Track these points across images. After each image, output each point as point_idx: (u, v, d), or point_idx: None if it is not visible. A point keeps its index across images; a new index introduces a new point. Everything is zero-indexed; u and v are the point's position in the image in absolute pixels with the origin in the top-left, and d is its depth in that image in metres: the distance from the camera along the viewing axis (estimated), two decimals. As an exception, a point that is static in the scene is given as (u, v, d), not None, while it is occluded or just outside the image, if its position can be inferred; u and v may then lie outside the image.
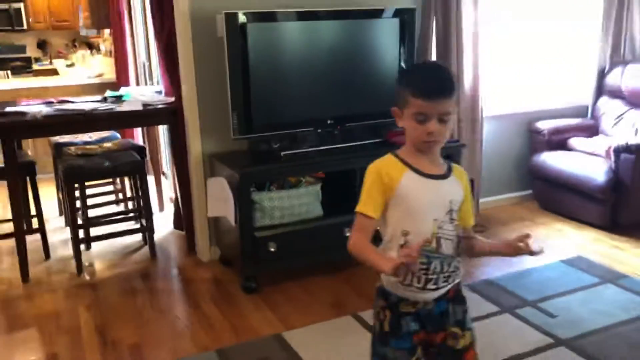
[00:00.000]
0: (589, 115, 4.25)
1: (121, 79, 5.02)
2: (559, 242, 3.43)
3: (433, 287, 1.42)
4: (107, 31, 6.30)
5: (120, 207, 4.13)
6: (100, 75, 5.70)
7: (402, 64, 3.23)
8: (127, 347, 2.45)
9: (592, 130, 4.08)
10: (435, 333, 1.47)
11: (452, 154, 3.25)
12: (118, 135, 3.99)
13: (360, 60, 3.16)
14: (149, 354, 2.40)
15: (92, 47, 7.30)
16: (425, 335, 1.47)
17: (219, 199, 2.95)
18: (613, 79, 4.09)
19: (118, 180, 4.16)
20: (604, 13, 4.07)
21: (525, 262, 3.03)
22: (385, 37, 3.20)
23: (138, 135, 4.67)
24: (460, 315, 1.50)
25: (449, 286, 1.46)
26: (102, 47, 6.55)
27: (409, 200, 1.39)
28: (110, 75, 5.57)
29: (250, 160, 2.94)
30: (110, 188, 4.23)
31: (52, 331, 2.59)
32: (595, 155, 3.70)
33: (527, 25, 4.09)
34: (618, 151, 3.44)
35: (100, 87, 5.08)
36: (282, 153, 2.95)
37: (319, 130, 3.09)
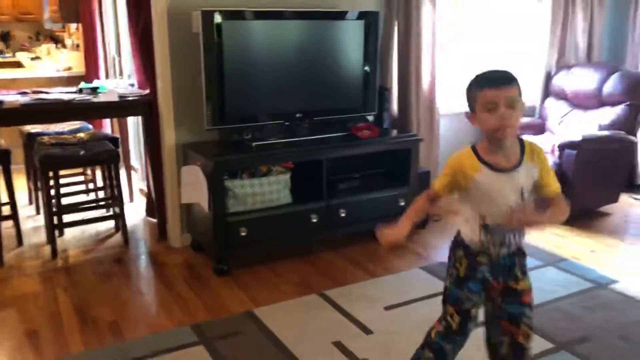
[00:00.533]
0: (537, 115, 4.58)
1: (91, 72, 5.09)
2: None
3: (505, 253, 1.72)
4: (73, 25, 6.35)
5: (90, 197, 4.23)
6: (68, 69, 5.75)
7: (367, 64, 3.46)
8: (106, 324, 2.58)
9: (539, 129, 4.41)
10: (503, 280, 1.75)
11: (410, 147, 3.51)
12: (90, 126, 4.08)
13: (328, 58, 3.37)
14: (128, 330, 2.54)
15: (57, 40, 7.28)
16: (495, 282, 1.75)
17: (192, 187, 3.10)
18: (558, 82, 4.42)
19: (89, 171, 4.27)
20: (551, 21, 4.40)
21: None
22: (351, 37, 3.41)
23: (106, 128, 4.77)
24: (522, 263, 1.77)
25: (514, 247, 1.73)
26: (69, 41, 6.56)
27: (483, 193, 1.66)
28: (78, 69, 5.62)
29: (223, 150, 3.11)
30: (80, 178, 4.32)
31: (30, 311, 2.70)
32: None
33: (481, 32, 4.38)
34: (562, 147, 3.75)
35: (69, 81, 5.15)
36: (254, 144, 3.13)
37: (288, 123, 3.28)
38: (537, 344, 2.33)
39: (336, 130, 3.40)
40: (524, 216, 1.61)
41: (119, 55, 5.01)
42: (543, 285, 2.89)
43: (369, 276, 3.04)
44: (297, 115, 3.29)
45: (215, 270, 3.07)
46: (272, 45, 3.21)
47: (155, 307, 2.76)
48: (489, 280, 1.74)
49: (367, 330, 2.48)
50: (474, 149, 1.68)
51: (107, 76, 5.07)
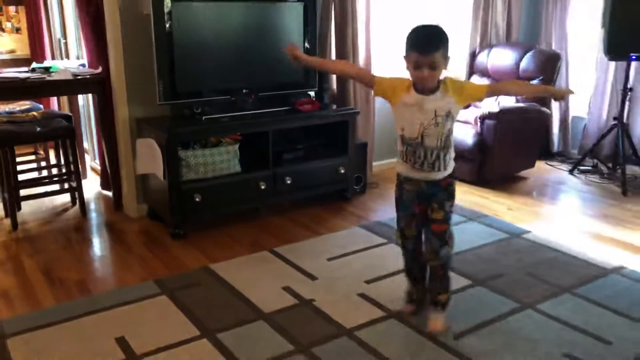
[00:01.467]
0: (463, 91, 5.00)
1: (36, 55, 5.17)
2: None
3: (418, 167, 2.16)
4: (12, 8, 6.33)
5: (43, 174, 4.36)
6: (12, 52, 5.76)
7: (306, 43, 3.75)
8: (73, 283, 2.80)
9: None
10: (424, 206, 2.24)
11: (348, 120, 3.84)
12: (40, 105, 4.21)
13: (271, 38, 3.64)
14: (94, 286, 2.77)
15: (-6, 24, 7.19)
16: (419, 207, 2.25)
17: (147, 158, 3.33)
18: (481, 60, 4.86)
19: (41, 150, 4.39)
20: (474, 4, 4.82)
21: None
22: (292, 19, 3.69)
23: (54, 108, 4.87)
24: (444, 198, 2.22)
25: (435, 173, 2.17)
26: (8, 24, 6.52)
27: (404, 110, 2.12)
28: (22, 51, 5.65)
29: (176, 123, 3.34)
30: (31, 158, 4.45)
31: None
32: (467, 123, 4.44)
33: (413, 13, 4.76)
34: (482, 118, 4.18)
35: (14, 63, 5.20)
36: (204, 117, 3.38)
37: (235, 98, 3.55)
38: (459, 282, 2.76)
39: (280, 105, 3.69)
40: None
41: (65, 37, 5.11)
42: (466, 236, 3.30)
43: (313, 235, 3.37)
44: (244, 90, 3.56)
45: (172, 234, 3.32)
46: (219, 25, 3.45)
47: (118, 267, 3.00)
48: (414, 202, 2.25)
49: (312, 277, 2.81)
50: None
51: (53, 58, 5.16)
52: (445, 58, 2.03)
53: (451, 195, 2.25)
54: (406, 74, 2.13)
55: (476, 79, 4.90)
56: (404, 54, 2.08)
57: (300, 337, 2.30)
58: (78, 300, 2.62)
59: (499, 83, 2.28)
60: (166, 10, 3.19)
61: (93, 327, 2.38)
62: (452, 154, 2.22)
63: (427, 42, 2.00)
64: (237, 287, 2.71)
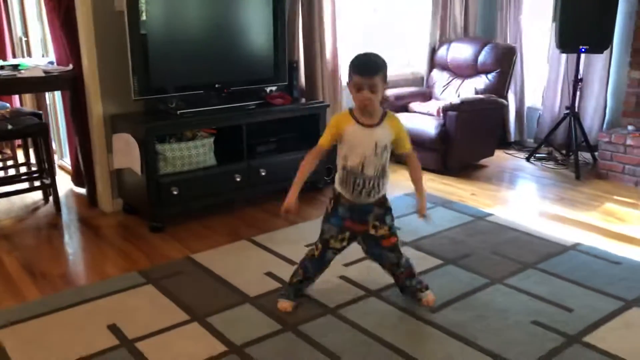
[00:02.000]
0: (425, 84, 5.21)
1: (-4, 53, 5.09)
2: (404, 182, 4.27)
3: (357, 194, 2.28)
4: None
5: (11, 174, 4.33)
6: (-30, 50, 5.64)
7: (276, 39, 3.86)
8: (56, 276, 2.84)
9: (427, 96, 5.04)
10: (359, 223, 2.35)
11: (318, 112, 3.97)
12: (7, 104, 4.17)
13: (242, 34, 3.73)
14: (78, 279, 2.82)
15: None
16: (351, 223, 2.35)
17: (124, 153, 3.38)
18: (441, 54, 5.07)
19: (8, 150, 4.36)
20: (433, 2, 5.02)
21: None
22: (261, 15, 3.79)
23: (17, 106, 4.82)
24: (381, 213, 2.34)
25: (371, 199, 2.30)
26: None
27: (349, 140, 2.25)
28: (-20, 50, 5.55)
29: (151, 118, 3.40)
30: (-2, 157, 4.41)
31: (-22, 272, 2.89)
32: (430, 115, 4.63)
33: (377, 10, 4.93)
34: (445, 110, 4.38)
35: (-26, 62, 5.10)
36: (179, 112, 3.45)
37: (209, 93, 3.62)
38: (430, 262, 2.93)
39: (252, 99, 3.79)
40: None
41: (27, 35, 5.06)
42: (434, 220, 3.48)
43: (288, 224, 3.48)
44: (217, 85, 3.64)
45: (150, 227, 3.38)
46: (192, 21, 3.53)
47: (100, 260, 3.04)
48: (346, 218, 2.34)
49: (292, 262, 2.92)
50: (350, 110, 2.28)
51: (14, 56, 5.09)
52: (384, 82, 2.21)
53: (388, 209, 2.39)
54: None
55: (436, 73, 5.10)
56: (347, 80, 2.24)
57: (286, 316, 2.41)
58: (64, 292, 2.66)
59: (411, 160, 2.42)
60: (140, 6, 3.24)
61: (83, 316, 2.44)
62: (387, 182, 2.36)
63: (367, 66, 2.18)
64: (221, 274, 2.80)
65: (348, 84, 2.23)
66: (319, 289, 2.62)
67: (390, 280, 2.59)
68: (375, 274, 2.67)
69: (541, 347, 2.20)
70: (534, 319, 2.39)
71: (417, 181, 2.44)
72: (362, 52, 2.25)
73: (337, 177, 2.37)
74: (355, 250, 2.92)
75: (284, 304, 2.48)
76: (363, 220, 2.36)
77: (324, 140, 2.30)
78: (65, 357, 2.14)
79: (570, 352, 2.17)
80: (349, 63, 2.23)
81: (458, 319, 2.39)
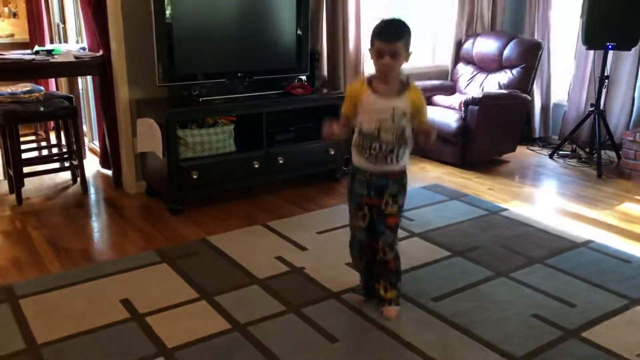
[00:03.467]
0: (449, 77, 5.21)
1: (34, 39, 5.30)
2: (422, 175, 4.33)
3: (373, 160, 2.22)
4: (9, -7, 6.44)
5: (44, 154, 4.53)
6: (11, 36, 5.89)
7: (299, 29, 3.93)
8: (78, 252, 2.99)
9: (451, 90, 5.04)
10: (375, 197, 2.29)
11: (337, 103, 4.01)
12: (41, 87, 4.35)
13: (265, 23, 3.81)
14: (98, 255, 2.96)
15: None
16: (369, 199, 2.30)
17: (147, 137, 3.51)
18: (467, 48, 5.06)
19: (42, 132, 4.55)
20: (460, -6, 5.01)
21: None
22: (285, 5, 3.86)
23: (52, 90, 5.02)
24: (395, 191, 2.28)
25: (388, 166, 2.24)
26: (5, 9, 6.64)
27: (364, 109, 2.21)
28: (20, 35, 5.78)
29: (174, 104, 3.52)
30: (32, 138, 4.60)
31: (7, 245, 3.05)
32: (452, 108, 4.64)
33: (399, 2, 4.94)
34: (466, 104, 4.38)
35: (14, 46, 5.34)
36: (201, 99, 3.55)
37: (230, 81, 3.72)
38: (438, 253, 2.98)
39: (272, 88, 3.87)
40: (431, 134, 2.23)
41: (64, 22, 5.25)
42: (446, 213, 3.51)
43: (303, 211, 3.57)
44: (239, 74, 3.73)
45: (170, 210, 3.50)
46: (216, 10, 3.62)
47: (120, 238, 3.18)
48: (363, 194, 2.30)
49: (303, 248, 3.01)
50: (368, 79, 2.23)
51: (51, 42, 5.29)
52: (407, 50, 2.15)
53: (404, 188, 2.31)
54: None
55: (461, 67, 5.10)
56: (369, 46, 2.18)
57: (291, 299, 2.50)
58: (83, 267, 2.80)
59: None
60: (165, -5, 3.35)
61: (98, 290, 2.57)
62: (407, 152, 2.28)
63: (389, 32, 2.13)
64: (233, 257, 2.90)
65: (370, 50, 2.18)
66: (325, 274, 2.69)
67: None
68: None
69: (538, 339, 2.22)
70: (534, 313, 2.41)
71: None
72: (385, 18, 2.18)
73: (353, 141, 2.29)
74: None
75: (354, 297, 2.50)
76: (379, 194, 2.29)
77: (345, 109, 2.28)
78: (79, 327, 2.27)
79: (566, 345, 2.19)
80: (373, 28, 2.16)
81: (459, 309, 2.43)
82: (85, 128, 5.02)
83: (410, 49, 2.17)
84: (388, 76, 2.17)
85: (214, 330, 2.25)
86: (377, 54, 2.13)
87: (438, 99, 4.84)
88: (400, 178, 2.30)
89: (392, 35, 2.11)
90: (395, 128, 2.20)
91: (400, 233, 3.01)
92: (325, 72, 4.37)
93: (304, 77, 4.08)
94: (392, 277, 2.41)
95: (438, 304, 2.48)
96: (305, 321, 2.33)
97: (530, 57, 4.65)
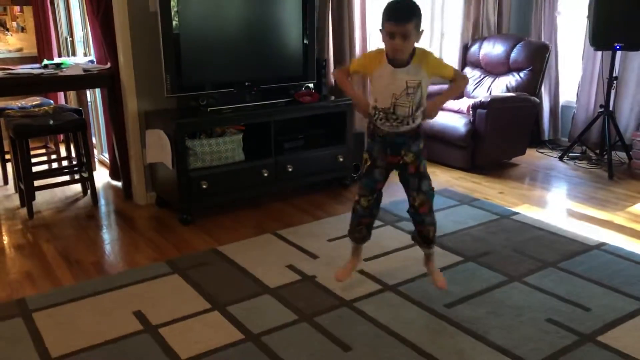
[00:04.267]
0: (456, 82, 5.19)
1: (43, 53, 5.35)
2: (432, 180, 4.30)
3: (392, 127, 2.33)
4: (17, 8, 6.51)
5: (54, 167, 4.55)
6: (20, 50, 5.94)
7: (306, 37, 3.94)
8: (90, 264, 3.00)
9: (459, 94, 5.02)
10: (392, 155, 2.41)
11: (346, 111, 4.03)
12: (51, 101, 4.40)
13: (272, 33, 3.83)
14: (110, 267, 2.96)
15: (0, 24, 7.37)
16: (386, 156, 2.41)
17: (156, 148, 3.52)
18: (474, 52, 5.05)
19: (52, 145, 4.58)
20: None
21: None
22: (291, 14, 3.87)
23: (62, 103, 5.06)
24: (411, 144, 2.38)
25: (405, 128, 2.33)
26: (14, 24, 6.71)
27: (378, 81, 2.30)
28: (28, 50, 5.84)
29: (183, 115, 3.53)
30: (42, 151, 4.64)
31: (20, 259, 3.06)
32: (460, 112, 4.63)
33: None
34: (475, 107, 4.37)
35: (22, 61, 5.39)
36: (209, 109, 3.57)
37: (239, 91, 3.73)
38: (450, 258, 2.96)
39: (281, 97, 3.88)
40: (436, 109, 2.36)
41: (71, 35, 5.30)
42: (457, 217, 3.50)
43: (314, 219, 3.56)
44: (247, 83, 3.74)
45: (180, 220, 3.51)
46: (223, 21, 3.63)
47: (131, 249, 3.18)
48: (382, 153, 2.41)
49: (314, 256, 3.01)
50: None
51: (59, 55, 5.34)
52: (418, 31, 2.20)
53: (419, 137, 2.40)
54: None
55: (468, 71, 5.09)
56: (380, 27, 2.24)
57: (303, 308, 2.49)
58: (95, 279, 2.81)
59: (458, 78, 2.42)
60: (172, 7, 3.37)
61: (111, 302, 2.57)
62: (421, 111, 2.35)
63: (400, 13, 2.17)
64: (244, 266, 2.90)
65: (381, 30, 2.22)
66: (337, 283, 2.68)
67: (407, 275, 2.64)
68: (394, 269, 2.72)
69: (553, 344, 2.21)
70: (548, 317, 2.39)
71: (448, 90, 2.43)
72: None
73: (370, 110, 2.38)
74: (375, 245, 2.98)
75: (338, 272, 2.63)
76: (396, 152, 2.40)
77: (353, 66, 2.41)
78: (92, 340, 2.27)
79: (582, 350, 2.17)
80: (384, 9, 2.21)
81: (472, 315, 2.42)
82: (94, 140, 5.05)
83: (422, 28, 2.22)
84: (398, 56, 2.23)
85: (227, 341, 2.25)
86: (389, 36, 2.18)
87: (446, 103, 4.83)
88: (415, 133, 2.38)
89: (403, 16, 2.15)
90: (410, 102, 2.27)
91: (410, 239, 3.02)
92: (332, 79, 4.37)
93: (311, 85, 4.09)
94: (430, 216, 2.52)
95: (451, 309, 2.46)
96: (318, 330, 2.32)
97: (537, 60, 4.64)
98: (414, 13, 2.17)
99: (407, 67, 2.25)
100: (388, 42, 2.20)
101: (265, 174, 3.69)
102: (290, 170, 3.79)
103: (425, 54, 2.29)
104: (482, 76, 4.96)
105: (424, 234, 2.55)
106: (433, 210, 2.53)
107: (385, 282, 2.71)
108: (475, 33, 5.12)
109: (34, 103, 4.23)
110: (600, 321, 2.36)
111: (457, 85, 2.43)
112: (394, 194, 3.41)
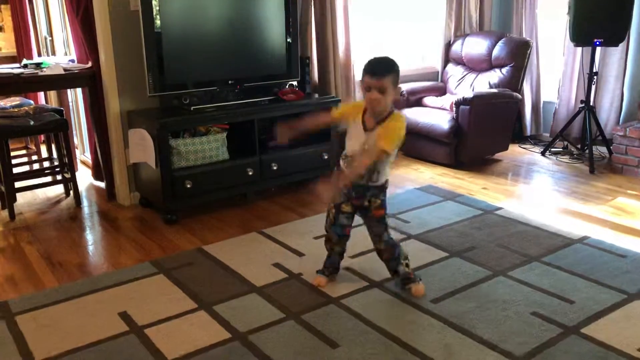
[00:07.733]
0: (439, 78, 5.23)
1: (22, 52, 5.26)
2: (416, 176, 4.34)
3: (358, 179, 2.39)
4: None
5: (35, 168, 4.50)
6: (-3, 50, 5.86)
7: (288, 35, 3.92)
8: (73, 266, 2.96)
9: (441, 91, 5.05)
10: (357, 199, 2.47)
11: (329, 107, 4.01)
12: (31, 101, 4.33)
13: (254, 31, 3.81)
14: (94, 269, 2.93)
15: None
16: (354, 199, 2.47)
17: (139, 147, 3.49)
18: (456, 49, 5.08)
19: (32, 145, 4.52)
20: (448, -5, 5.03)
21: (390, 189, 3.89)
22: (273, 11, 3.86)
23: (42, 103, 4.99)
24: (376, 192, 2.45)
25: (365, 183, 2.41)
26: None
27: (349, 132, 2.45)
28: (7, 49, 5.74)
29: (166, 114, 3.50)
30: (22, 152, 4.57)
31: (1, 261, 3.01)
32: (443, 109, 4.65)
33: (391, 7, 4.95)
34: (457, 104, 4.39)
35: (1, 60, 5.30)
36: (192, 107, 3.54)
37: (221, 89, 3.71)
38: (435, 254, 2.98)
39: (264, 95, 3.87)
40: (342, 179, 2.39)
41: (51, 35, 5.23)
42: (442, 214, 3.52)
43: (299, 217, 3.56)
44: (229, 82, 3.73)
45: (165, 220, 3.49)
46: (206, 18, 3.61)
47: (115, 250, 3.15)
48: (350, 196, 2.48)
49: (299, 254, 3.01)
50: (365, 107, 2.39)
51: (39, 55, 5.27)
52: (395, 86, 2.30)
53: (384, 189, 2.48)
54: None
55: (451, 68, 5.12)
56: (360, 80, 2.38)
57: (290, 306, 2.49)
58: (79, 281, 2.78)
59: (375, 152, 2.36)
60: (154, 5, 3.34)
61: (96, 304, 2.55)
62: (383, 176, 2.43)
63: (377, 68, 2.29)
64: (230, 265, 2.89)
65: (360, 83, 2.38)
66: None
67: (392, 271, 2.65)
68: (379, 266, 2.73)
69: (538, 337, 2.23)
70: (534, 311, 2.42)
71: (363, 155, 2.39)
72: (374, 57, 2.36)
73: (341, 157, 2.51)
74: (360, 242, 2.99)
75: (318, 279, 2.66)
76: (361, 195, 2.46)
77: (335, 112, 2.54)
78: (77, 342, 2.24)
79: (566, 342, 2.19)
80: (364, 64, 2.34)
81: (458, 310, 2.43)
82: (76, 140, 5.00)
83: (399, 86, 2.35)
84: (375, 109, 2.32)
85: (214, 340, 2.24)
86: (367, 88, 2.30)
87: (428, 100, 4.85)
88: (380, 186, 2.46)
89: (380, 71, 2.27)
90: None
91: (397, 235, 3.03)
92: (316, 77, 4.37)
93: (295, 83, 4.08)
94: (396, 260, 2.55)
95: (437, 305, 2.48)
96: (305, 327, 2.32)
97: (519, 56, 4.67)
98: (391, 69, 2.29)
99: (373, 130, 2.32)
100: (366, 95, 2.30)
101: (250, 173, 3.68)
102: (274, 168, 3.78)
103: (394, 120, 2.32)
104: (464, 73, 4.98)
105: (390, 269, 2.62)
106: (398, 255, 2.55)
107: (371, 278, 2.72)
108: (457, 30, 5.14)
109: (14, 103, 4.15)
110: (584, 313, 2.39)
111: (368, 154, 2.33)
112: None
